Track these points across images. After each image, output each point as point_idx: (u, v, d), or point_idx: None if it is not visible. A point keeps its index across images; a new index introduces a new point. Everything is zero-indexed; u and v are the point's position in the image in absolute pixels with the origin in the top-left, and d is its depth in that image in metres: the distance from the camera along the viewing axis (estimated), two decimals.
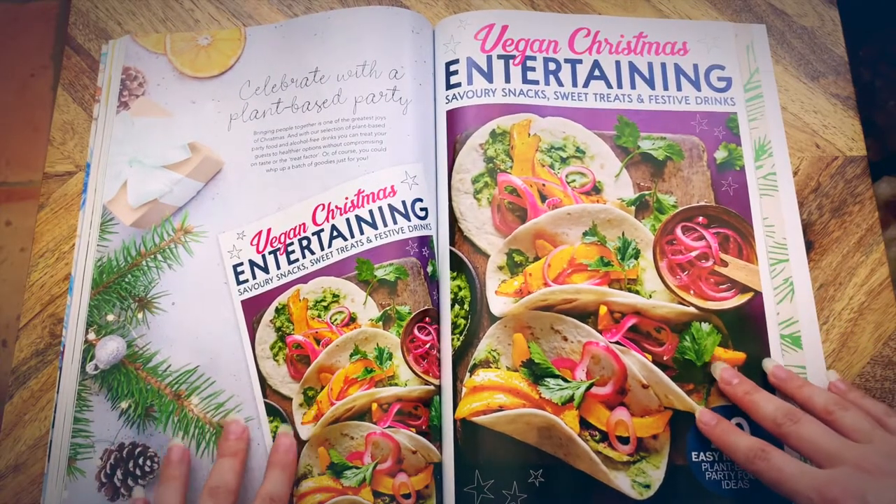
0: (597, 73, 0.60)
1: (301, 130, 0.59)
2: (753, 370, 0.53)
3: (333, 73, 0.60)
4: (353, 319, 0.55)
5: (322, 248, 0.56)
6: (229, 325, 0.56)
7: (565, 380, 0.52)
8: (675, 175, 0.57)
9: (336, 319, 0.55)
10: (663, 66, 0.61)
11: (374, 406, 0.52)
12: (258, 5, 0.65)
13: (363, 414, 0.52)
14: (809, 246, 0.58)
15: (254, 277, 0.56)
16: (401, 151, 0.57)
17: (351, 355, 0.54)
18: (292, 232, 0.57)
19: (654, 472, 0.51)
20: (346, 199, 0.56)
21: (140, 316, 0.56)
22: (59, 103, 0.62)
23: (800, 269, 0.56)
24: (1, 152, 0.63)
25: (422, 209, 0.56)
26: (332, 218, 0.56)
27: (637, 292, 0.54)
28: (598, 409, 0.52)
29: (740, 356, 0.53)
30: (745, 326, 0.54)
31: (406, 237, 0.55)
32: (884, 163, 0.61)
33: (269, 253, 0.57)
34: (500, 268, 0.55)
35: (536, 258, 0.55)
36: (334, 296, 0.55)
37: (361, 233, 0.56)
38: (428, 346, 0.53)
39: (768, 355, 0.53)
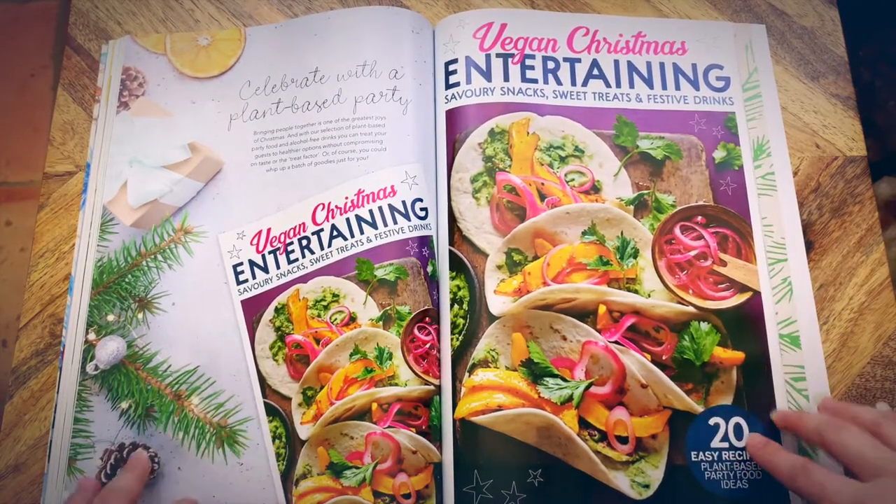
0: (595, 72, 0.60)
1: (301, 130, 0.59)
2: (752, 370, 0.53)
3: (333, 73, 0.60)
4: (352, 319, 0.55)
5: (322, 248, 0.56)
6: (229, 325, 0.56)
7: (564, 379, 0.52)
8: (674, 174, 0.57)
9: (336, 319, 0.55)
10: (662, 65, 0.61)
11: (375, 406, 0.52)
12: (258, 5, 0.65)
13: (363, 414, 0.52)
14: (809, 246, 0.58)
15: (253, 277, 0.56)
16: (401, 151, 0.57)
17: (351, 355, 0.54)
18: (292, 232, 0.57)
19: (653, 472, 0.51)
20: (346, 198, 0.57)
21: (140, 316, 0.56)
22: (59, 103, 0.63)
23: (798, 268, 0.56)
24: (1, 152, 0.63)
25: (422, 209, 0.56)
26: (332, 218, 0.56)
27: (636, 292, 0.54)
28: (597, 409, 0.52)
29: (739, 355, 0.53)
30: (744, 326, 0.54)
31: (406, 237, 0.55)
32: (884, 163, 0.61)
33: (269, 253, 0.57)
34: (499, 267, 0.55)
35: (535, 257, 0.55)
36: (334, 295, 0.55)
37: (361, 232, 0.56)
38: (428, 346, 0.53)
39: (767, 355, 0.53)
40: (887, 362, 0.55)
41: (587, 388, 0.52)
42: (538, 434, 0.51)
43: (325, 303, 0.55)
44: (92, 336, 0.56)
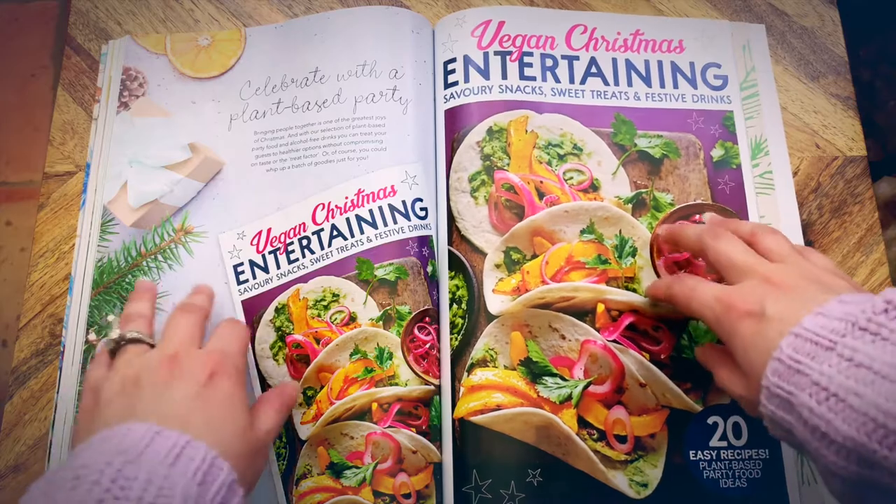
0: (594, 70, 0.60)
1: (301, 130, 0.59)
2: None
3: (333, 73, 0.60)
4: (353, 319, 0.55)
5: (322, 248, 0.56)
6: None
7: (563, 378, 0.52)
8: (672, 173, 0.57)
9: (336, 319, 0.55)
10: (660, 63, 0.61)
11: (375, 406, 0.52)
12: (258, 5, 0.65)
13: (363, 414, 0.53)
14: (809, 246, 0.58)
15: (254, 277, 0.56)
16: (401, 151, 0.57)
17: (351, 355, 0.54)
18: (292, 231, 0.57)
19: (652, 471, 0.51)
20: (346, 198, 0.57)
21: None
22: (59, 103, 0.63)
23: None
24: (1, 152, 0.63)
25: (422, 209, 0.56)
26: (332, 217, 0.57)
27: (634, 290, 0.54)
28: (596, 408, 0.52)
29: None
30: None
31: (406, 237, 0.55)
32: (884, 163, 0.60)
33: (269, 253, 0.57)
34: (498, 266, 0.55)
35: (534, 256, 0.55)
36: (334, 295, 0.55)
37: (361, 232, 0.56)
38: (428, 345, 0.53)
39: None
40: None
41: (586, 387, 0.52)
42: (537, 433, 0.51)
43: (325, 303, 0.55)
44: (92, 336, 0.56)
